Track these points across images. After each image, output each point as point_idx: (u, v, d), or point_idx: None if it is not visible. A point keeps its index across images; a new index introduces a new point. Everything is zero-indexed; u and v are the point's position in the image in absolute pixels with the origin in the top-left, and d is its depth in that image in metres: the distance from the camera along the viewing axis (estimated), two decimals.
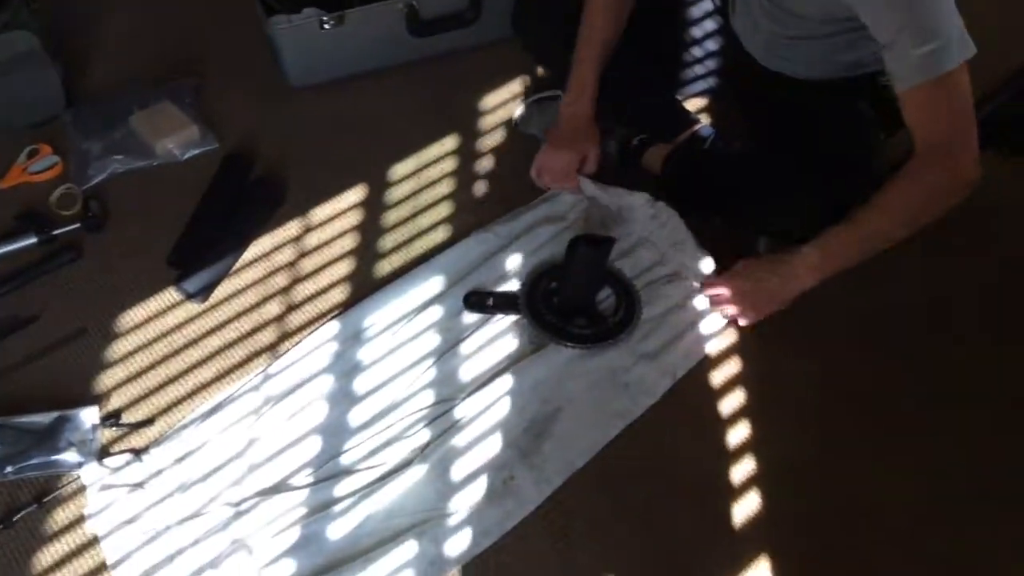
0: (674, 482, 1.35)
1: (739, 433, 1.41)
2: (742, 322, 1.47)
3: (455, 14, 1.88)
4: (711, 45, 1.68)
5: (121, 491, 1.27)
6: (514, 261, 1.57)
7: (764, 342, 1.49)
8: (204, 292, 1.52)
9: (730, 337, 1.51)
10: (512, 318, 1.49)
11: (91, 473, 1.28)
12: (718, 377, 1.47)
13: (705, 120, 1.76)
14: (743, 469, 1.37)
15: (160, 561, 1.22)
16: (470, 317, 1.50)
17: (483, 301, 1.50)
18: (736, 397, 1.45)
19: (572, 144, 1.62)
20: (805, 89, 1.53)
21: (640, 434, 1.39)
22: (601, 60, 1.60)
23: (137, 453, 1.33)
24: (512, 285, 1.53)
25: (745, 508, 1.33)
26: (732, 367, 1.48)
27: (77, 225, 1.60)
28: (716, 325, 1.50)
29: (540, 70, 1.89)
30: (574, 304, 1.47)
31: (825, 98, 1.51)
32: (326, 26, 1.77)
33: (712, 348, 1.49)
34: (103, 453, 1.32)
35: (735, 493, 1.34)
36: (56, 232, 1.58)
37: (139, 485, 1.29)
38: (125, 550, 1.23)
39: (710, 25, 1.66)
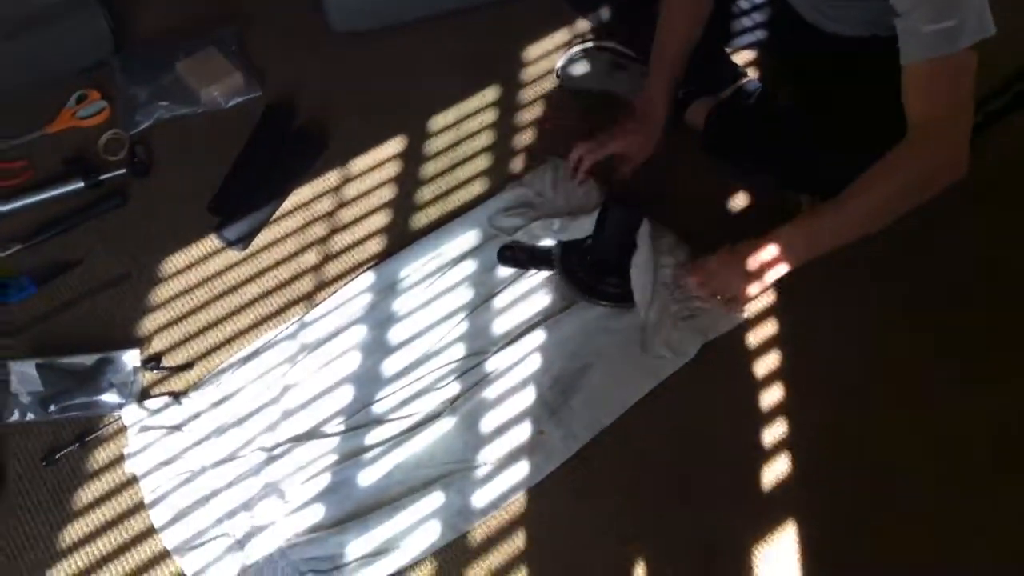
0: (704, 443, 1.35)
1: (772, 396, 1.39)
2: (727, 309, 1.43)
3: None
4: None
5: (159, 432, 1.31)
6: (549, 217, 1.55)
7: (799, 304, 1.46)
8: (244, 240, 1.54)
9: (766, 300, 1.48)
10: (545, 274, 1.48)
11: (131, 414, 1.32)
12: (752, 339, 1.45)
13: (753, 74, 1.71)
14: (774, 432, 1.36)
15: (195, 502, 1.27)
16: (503, 271, 1.50)
17: (517, 255, 1.49)
18: (769, 360, 1.43)
19: (633, 132, 1.56)
20: (853, 46, 1.47)
21: (670, 394, 1.38)
22: (683, 60, 1.55)
23: (176, 396, 1.36)
24: (547, 242, 1.52)
25: (775, 471, 1.32)
26: (767, 329, 1.46)
27: (123, 171, 1.63)
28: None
29: (583, 22, 1.85)
30: (607, 263, 1.46)
31: (873, 56, 1.45)
32: None
33: (748, 313, 1.46)
34: (143, 395, 1.36)
35: (766, 456, 1.33)
36: (103, 177, 1.61)
37: (177, 427, 1.33)
38: (162, 490, 1.27)
39: None
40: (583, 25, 1.86)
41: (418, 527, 1.26)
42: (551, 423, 1.35)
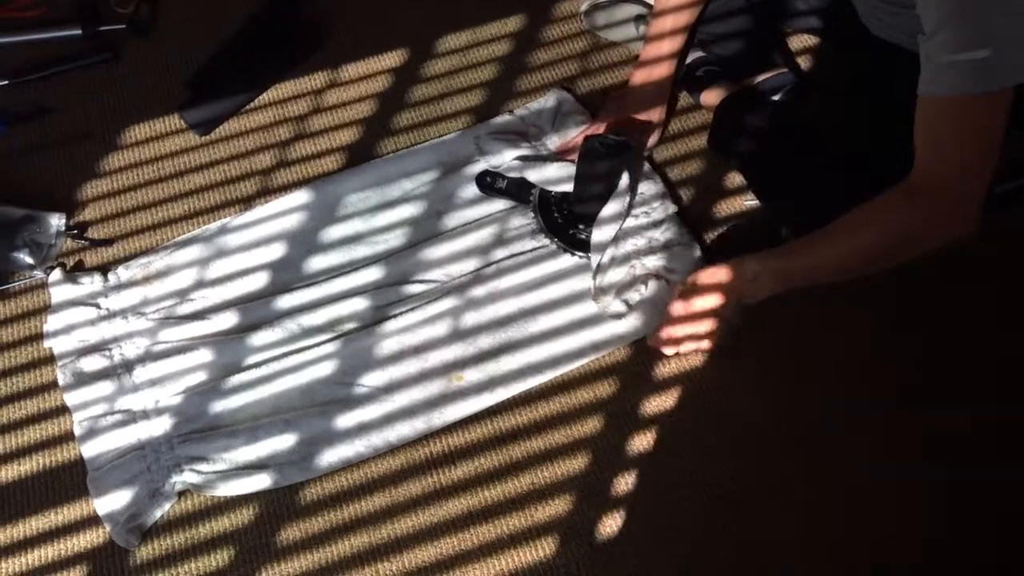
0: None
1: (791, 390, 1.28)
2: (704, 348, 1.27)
3: None
4: None
5: (81, 308, 1.33)
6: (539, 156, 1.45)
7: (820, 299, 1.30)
8: (206, 125, 1.51)
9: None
10: (515, 215, 1.41)
11: (59, 290, 1.35)
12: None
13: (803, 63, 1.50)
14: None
15: (102, 370, 1.29)
16: (452, 216, 1.42)
17: (496, 182, 1.42)
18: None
19: (633, 112, 1.42)
20: (897, 56, 1.25)
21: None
22: (685, 30, 1.39)
23: (104, 271, 1.37)
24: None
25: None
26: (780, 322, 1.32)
27: (123, 26, 1.60)
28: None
29: None
30: (584, 209, 1.35)
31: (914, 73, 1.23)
32: None
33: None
34: (76, 266, 1.39)
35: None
36: (101, 29, 1.60)
37: (98, 303, 1.34)
38: (75, 364, 1.30)
39: None
40: None
41: (303, 449, 1.24)
42: (472, 370, 1.29)
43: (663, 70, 1.40)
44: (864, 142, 1.26)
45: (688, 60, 1.50)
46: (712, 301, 1.20)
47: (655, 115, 1.41)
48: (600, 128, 1.41)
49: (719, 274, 1.20)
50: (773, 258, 1.19)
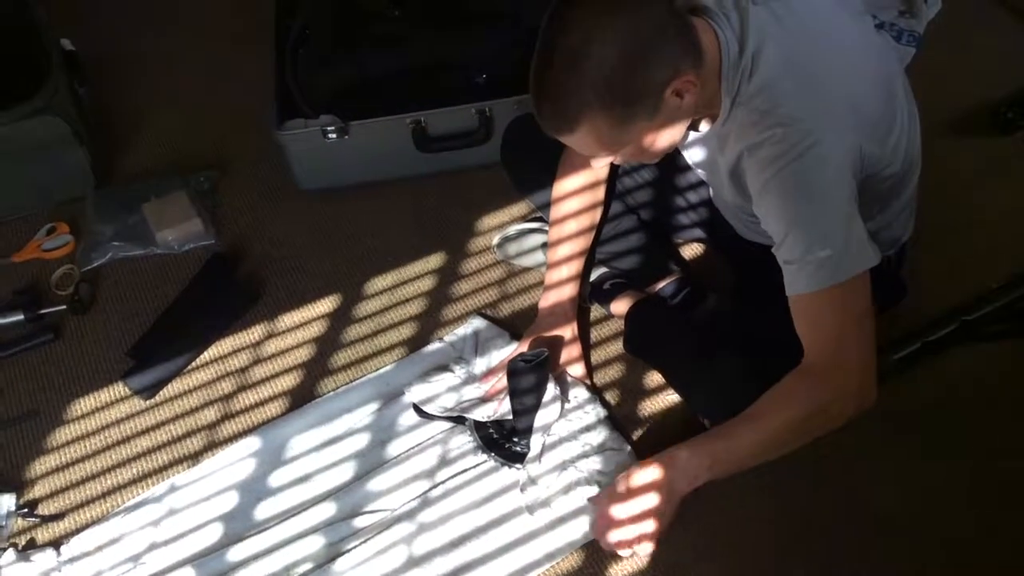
0: None
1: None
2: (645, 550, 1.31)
3: (465, 133, 1.88)
4: (695, 196, 1.59)
5: None
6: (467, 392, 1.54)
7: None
8: (150, 390, 1.57)
9: None
10: (454, 435, 1.48)
11: (10, 564, 1.35)
12: None
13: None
14: None
15: None
16: (395, 446, 1.48)
17: (432, 412, 1.49)
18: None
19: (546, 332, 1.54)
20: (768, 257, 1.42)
21: None
22: (581, 255, 1.54)
23: (56, 546, 1.37)
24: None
25: None
26: None
27: (63, 307, 1.69)
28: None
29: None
30: (519, 423, 1.44)
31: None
32: (330, 136, 1.81)
33: None
34: (28, 544, 1.39)
35: None
36: (43, 312, 1.69)
37: None
38: None
39: (695, 176, 1.57)
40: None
41: None
42: None
43: (566, 292, 1.54)
44: (758, 332, 1.39)
45: (595, 276, 1.65)
46: (650, 501, 1.27)
47: (567, 332, 1.54)
48: (523, 348, 1.52)
49: (652, 472, 1.28)
50: (700, 444, 1.28)
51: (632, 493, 1.28)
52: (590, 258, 1.57)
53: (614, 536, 1.29)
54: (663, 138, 1.19)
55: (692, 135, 1.29)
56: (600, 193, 1.52)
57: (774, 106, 1.12)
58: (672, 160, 1.56)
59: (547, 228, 1.67)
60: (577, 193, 1.51)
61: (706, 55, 1.13)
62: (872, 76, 1.21)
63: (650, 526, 1.27)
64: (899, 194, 1.32)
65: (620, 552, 1.31)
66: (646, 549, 1.29)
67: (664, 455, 1.29)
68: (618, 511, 1.29)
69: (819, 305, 1.16)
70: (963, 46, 2.12)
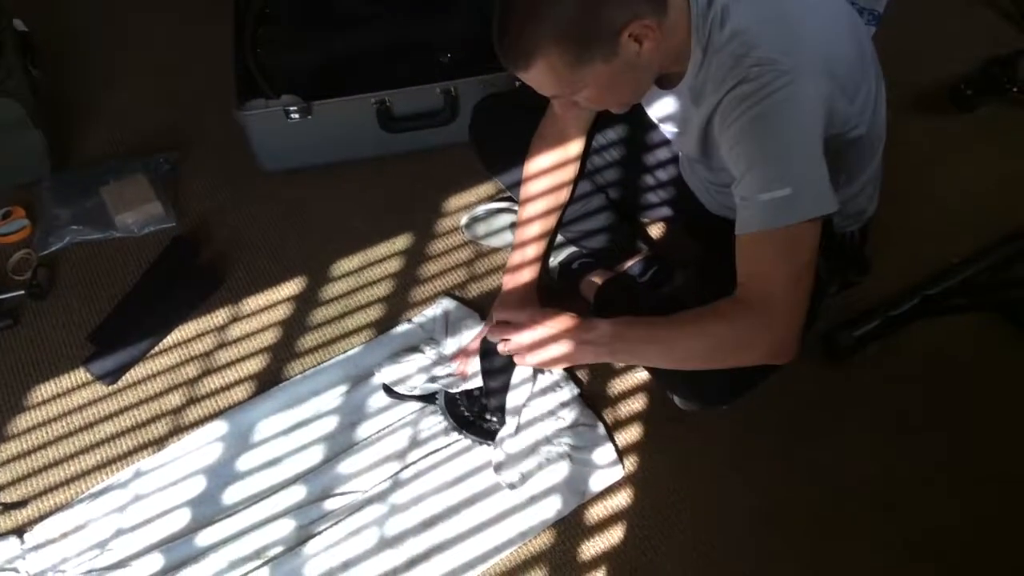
0: None
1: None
2: (518, 360, 1.34)
3: (430, 112, 1.86)
4: (664, 174, 1.59)
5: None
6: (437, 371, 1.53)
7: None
8: (112, 375, 1.54)
9: None
10: (424, 416, 1.48)
11: None
12: None
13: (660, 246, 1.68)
14: None
15: None
16: (365, 428, 1.47)
17: (402, 393, 1.49)
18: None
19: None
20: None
21: None
22: (547, 235, 1.53)
23: (20, 535, 1.35)
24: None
25: None
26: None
27: (21, 292, 1.65)
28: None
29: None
30: (492, 401, 1.44)
31: None
32: (293, 116, 1.78)
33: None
34: None
35: None
36: (0, 297, 1.64)
37: (15, 569, 1.32)
38: None
39: (664, 154, 1.57)
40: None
41: None
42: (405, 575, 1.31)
43: (529, 273, 1.53)
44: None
45: (563, 256, 1.65)
46: (559, 349, 1.29)
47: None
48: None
49: (564, 322, 1.30)
50: (622, 329, 1.27)
51: (548, 336, 1.29)
52: (552, 237, 1.56)
53: (531, 359, 1.31)
54: (623, 85, 1.19)
55: (662, 92, 1.28)
56: (571, 172, 1.51)
57: (749, 49, 1.12)
58: (642, 138, 1.56)
59: (516, 208, 1.66)
60: (547, 172, 1.50)
61: (671, 6, 1.13)
62: (844, 33, 1.22)
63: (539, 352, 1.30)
64: (864, 165, 1.33)
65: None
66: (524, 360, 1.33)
67: (589, 320, 1.30)
68: (527, 338, 1.31)
69: (766, 244, 1.15)
70: (922, 25, 2.14)
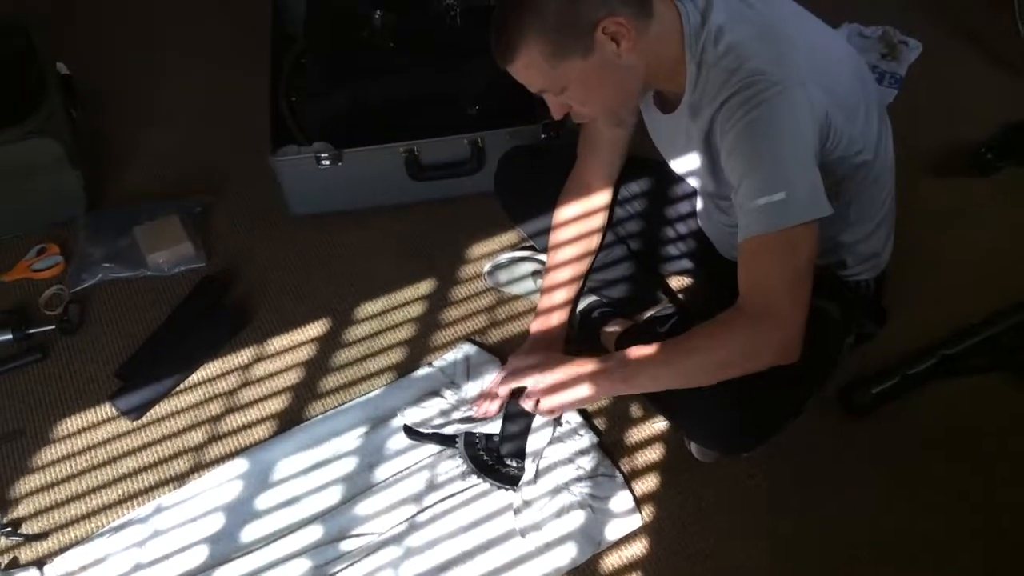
0: None
1: None
2: (541, 408, 1.38)
3: (457, 162, 1.90)
4: (684, 227, 1.62)
5: None
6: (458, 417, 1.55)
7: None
8: (138, 410, 1.57)
9: None
10: (443, 460, 1.49)
11: None
12: None
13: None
14: None
15: None
16: (383, 470, 1.48)
17: (423, 434, 1.50)
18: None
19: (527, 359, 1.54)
20: None
21: None
22: (575, 281, 1.57)
23: (40, 566, 1.37)
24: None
25: None
26: None
27: (52, 327, 1.69)
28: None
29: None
30: (511, 446, 1.45)
31: None
32: (324, 163, 1.83)
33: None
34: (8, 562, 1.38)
35: None
36: (31, 331, 1.68)
37: None
38: None
39: (685, 207, 1.60)
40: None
41: None
42: None
43: (557, 318, 1.56)
44: None
45: (583, 305, 1.67)
46: (577, 388, 1.33)
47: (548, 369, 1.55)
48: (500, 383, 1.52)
49: (578, 362, 1.33)
50: (632, 362, 1.29)
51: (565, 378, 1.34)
52: (582, 285, 1.59)
53: (546, 402, 1.35)
54: (605, 86, 1.23)
55: (665, 116, 1.32)
56: (599, 220, 1.55)
57: (742, 62, 1.16)
58: (663, 191, 1.59)
59: (538, 257, 1.69)
60: (577, 220, 1.54)
61: (658, 16, 1.18)
62: (839, 56, 1.26)
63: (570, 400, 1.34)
64: (875, 199, 1.35)
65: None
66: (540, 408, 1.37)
67: (605, 360, 1.33)
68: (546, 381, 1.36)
69: (763, 249, 1.17)
70: (943, 88, 2.17)
